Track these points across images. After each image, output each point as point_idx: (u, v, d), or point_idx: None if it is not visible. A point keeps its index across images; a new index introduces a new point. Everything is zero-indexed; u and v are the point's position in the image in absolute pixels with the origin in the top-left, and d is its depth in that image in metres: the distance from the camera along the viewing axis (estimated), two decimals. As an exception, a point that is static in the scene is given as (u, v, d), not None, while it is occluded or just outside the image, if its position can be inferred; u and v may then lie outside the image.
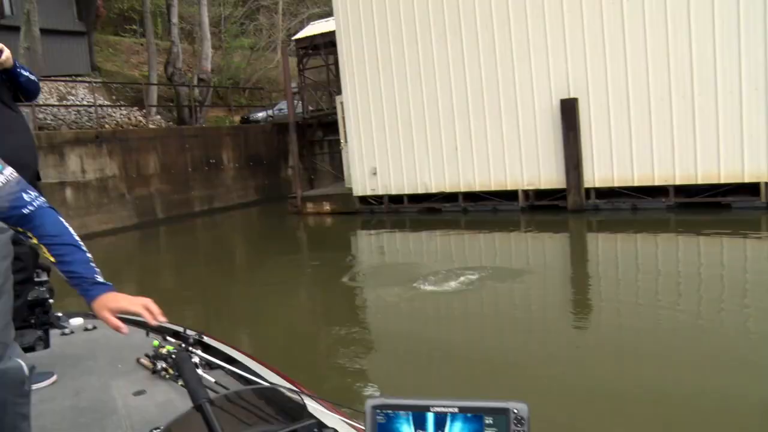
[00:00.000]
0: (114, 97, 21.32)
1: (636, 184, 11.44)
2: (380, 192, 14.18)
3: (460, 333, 5.94)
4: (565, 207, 12.05)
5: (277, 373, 2.70)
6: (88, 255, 1.81)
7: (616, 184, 11.63)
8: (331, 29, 16.33)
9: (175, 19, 21.58)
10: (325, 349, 5.96)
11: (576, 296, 7.09)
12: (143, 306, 1.79)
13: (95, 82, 20.21)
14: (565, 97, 11.72)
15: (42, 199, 1.77)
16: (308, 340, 6.35)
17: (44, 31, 16.92)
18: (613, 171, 11.59)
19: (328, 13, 22.65)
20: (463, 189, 13.18)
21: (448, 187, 13.33)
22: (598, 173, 11.74)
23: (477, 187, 13.04)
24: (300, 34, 20.38)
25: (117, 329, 1.74)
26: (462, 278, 7.56)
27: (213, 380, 2.46)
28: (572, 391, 4.35)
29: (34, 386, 2.56)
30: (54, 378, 2.56)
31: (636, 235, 10.29)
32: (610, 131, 11.49)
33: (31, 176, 3.00)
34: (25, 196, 1.72)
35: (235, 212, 18.59)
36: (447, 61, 12.83)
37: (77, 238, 1.80)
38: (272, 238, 13.82)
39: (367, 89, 13.93)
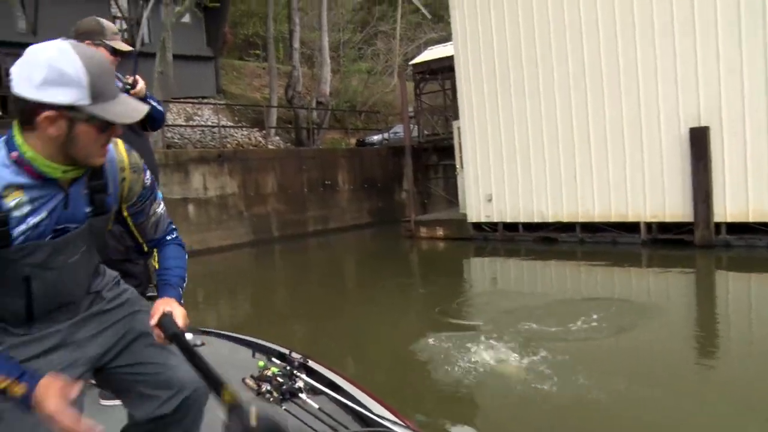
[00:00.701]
0: (236, 118, 22.18)
1: (775, 219, 10.59)
2: (495, 219, 13.87)
3: (571, 379, 5.56)
4: (692, 242, 11.29)
5: (381, 403, 2.58)
6: (185, 273, 1.99)
7: (751, 219, 10.79)
8: (448, 54, 16.27)
9: (296, 45, 22.24)
10: (428, 379, 5.75)
11: (706, 343, 6.54)
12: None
13: (220, 104, 21.12)
14: (696, 125, 11.04)
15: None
16: (412, 367, 6.16)
17: (176, 57, 17.85)
18: (748, 205, 10.76)
19: (445, 39, 22.67)
20: (581, 219, 12.66)
21: (565, 217, 12.85)
22: (730, 207, 10.94)
23: (596, 218, 12.49)
24: (417, 59, 20.47)
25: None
26: (578, 318, 7.16)
27: (317, 406, 2.36)
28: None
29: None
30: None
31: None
32: (745, 162, 10.69)
33: None
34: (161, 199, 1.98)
35: (349, 234, 18.75)
36: (568, 86, 12.42)
37: (185, 265, 2.01)
38: (385, 261, 13.79)
39: (484, 115, 13.71)
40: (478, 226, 14.22)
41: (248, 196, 16.67)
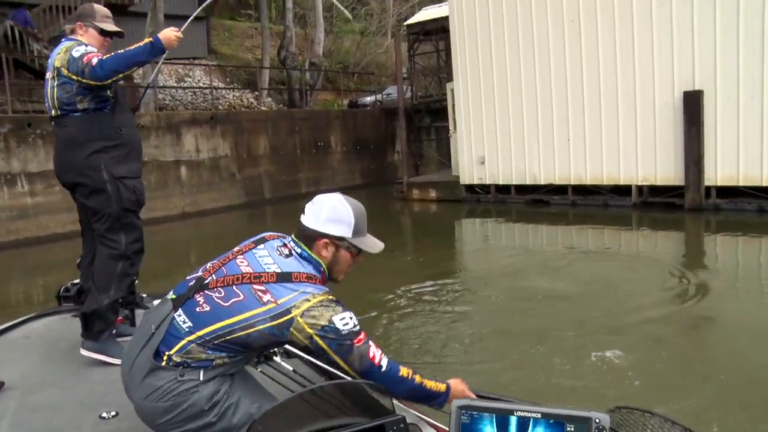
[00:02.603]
0: (228, 80, 21.96)
1: (764, 184, 10.63)
2: (487, 181, 13.87)
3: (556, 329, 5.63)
4: (682, 205, 11.36)
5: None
6: None
7: (741, 184, 10.85)
8: (443, 15, 16.11)
9: (290, 4, 21.85)
10: (403, 332, 5.82)
11: (690, 300, 6.60)
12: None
13: (211, 65, 20.87)
14: (690, 89, 11.00)
15: None
16: (389, 321, 6.23)
17: (167, 17, 17.57)
18: (738, 169, 10.81)
19: (440, -1, 22.32)
20: (573, 182, 12.69)
21: (557, 180, 12.87)
22: (721, 171, 10.98)
23: (588, 181, 12.52)
24: (412, 20, 20.25)
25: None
26: (569, 280, 7.25)
27: (291, 368, 2.38)
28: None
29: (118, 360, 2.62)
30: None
31: (761, 239, 9.55)
32: (738, 126, 10.70)
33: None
34: None
35: (341, 195, 18.66)
36: (563, 49, 12.33)
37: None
38: (376, 222, 13.61)
39: (478, 77, 13.61)
40: (470, 188, 14.24)
41: (240, 158, 16.59)
